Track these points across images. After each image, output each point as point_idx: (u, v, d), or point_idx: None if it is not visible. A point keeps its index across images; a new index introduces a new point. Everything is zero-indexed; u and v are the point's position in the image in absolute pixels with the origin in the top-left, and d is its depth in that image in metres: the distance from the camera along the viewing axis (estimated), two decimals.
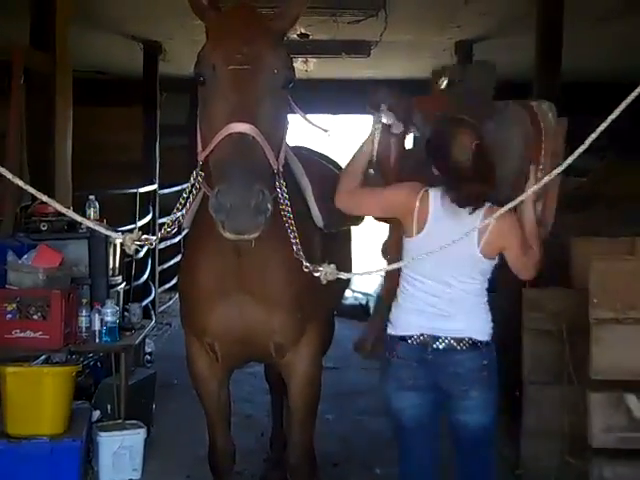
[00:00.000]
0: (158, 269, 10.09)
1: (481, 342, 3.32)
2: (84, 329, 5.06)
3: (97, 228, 2.96)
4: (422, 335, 3.25)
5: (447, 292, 3.24)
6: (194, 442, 5.67)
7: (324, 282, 2.85)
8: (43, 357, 4.81)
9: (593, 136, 2.46)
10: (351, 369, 7.72)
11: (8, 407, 4.40)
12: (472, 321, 3.32)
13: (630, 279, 4.14)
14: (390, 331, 3.34)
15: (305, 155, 4.01)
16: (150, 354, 7.86)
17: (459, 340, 3.25)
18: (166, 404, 6.39)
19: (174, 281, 11.14)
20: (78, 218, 2.88)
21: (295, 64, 9.00)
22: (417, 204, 3.18)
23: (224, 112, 2.61)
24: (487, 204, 3.20)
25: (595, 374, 4.08)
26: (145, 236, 2.86)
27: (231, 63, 2.65)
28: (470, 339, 3.27)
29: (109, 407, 5.20)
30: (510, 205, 2.86)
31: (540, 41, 6.30)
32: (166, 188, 9.82)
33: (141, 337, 5.63)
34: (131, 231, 2.96)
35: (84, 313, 5.08)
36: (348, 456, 5.55)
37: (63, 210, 2.88)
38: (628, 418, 4.06)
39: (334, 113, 13.03)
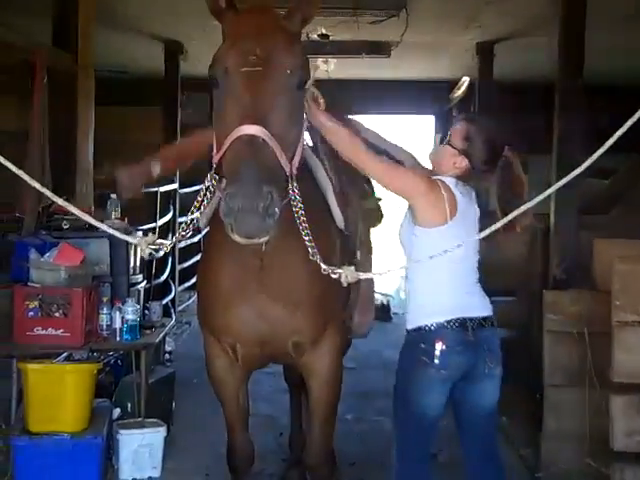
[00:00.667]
0: (178, 268, 10.12)
1: (493, 318, 3.46)
2: (105, 327, 5.08)
3: (112, 232, 2.95)
4: (459, 318, 3.29)
5: (471, 273, 3.40)
6: (213, 441, 5.68)
7: (345, 284, 2.84)
8: (64, 354, 4.84)
9: (610, 142, 2.44)
10: (370, 369, 7.72)
11: (30, 404, 4.43)
12: (485, 298, 3.49)
13: None
14: (423, 322, 3.31)
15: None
16: (170, 353, 7.89)
17: (485, 318, 3.38)
18: (185, 403, 6.41)
19: (194, 280, 11.18)
20: (94, 222, 2.89)
21: (315, 64, 9.03)
22: (444, 193, 3.25)
23: (235, 114, 2.60)
24: None
25: (617, 377, 4.06)
26: (160, 240, 2.89)
27: (243, 65, 2.65)
28: (490, 317, 3.43)
29: (129, 405, 5.23)
30: (528, 205, 2.86)
31: (562, 42, 6.22)
32: (186, 187, 9.85)
33: (161, 335, 5.65)
34: (147, 234, 2.98)
35: (105, 311, 5.11)
36: (366, 456, 5.55)
37: (79, 213, 2.89)
38: None
39: (354, 113, 13.05)
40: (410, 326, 3.38)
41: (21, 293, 4.80)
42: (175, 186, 9.88)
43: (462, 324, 3.28)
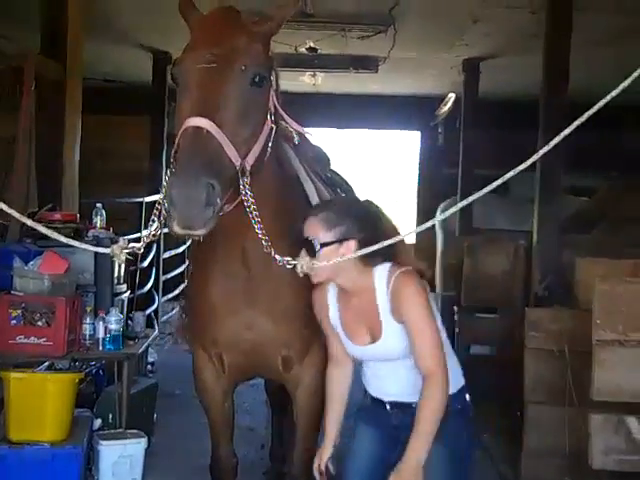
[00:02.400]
0: (162, 278, 10.10)
1: None
2: (88, 337, 5.06)
3: (81, 245, 2.95)
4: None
5: None
6: (195, 453, 5.66)
7: (301, 275, 2.81)
8: (46, 364, 4.82)
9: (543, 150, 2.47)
10: (352, 384, 7.72)
11: (11, 412, 4.41)
12: None
13: (633, 301, 4.15)
14: None
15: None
16: (152, 364, 7.86)
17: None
18: (167, 414, 6.39)
19: (177, 291, 11.17)
20: (62, 239, 2.84)
21: (303, 77, 9.07)
22: None
23: (187, 108, 2.63)
24: None
25: (597, 395, 4.09)
26: (132, 244, 2.89)
27: (199, 62, 2.67)
28: None
29: (110, 416, 5.20)
30: None
31: (547, 60, 6.31)
32: None
33: (144, 346, 5.63)
34: (117, 241, 2.89)
35: (88, 321, 5.09)
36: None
37: (43, 230, 2.89)
38: (628, 440, 4.07)
39: (341, 127, 13.10)
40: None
41: (4, 301, 4.78)
42: (161, 196, 9.86)
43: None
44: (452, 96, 11.27)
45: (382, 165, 21.58)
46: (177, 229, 2.48)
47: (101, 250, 2.96)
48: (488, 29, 8.13)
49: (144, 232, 3.05)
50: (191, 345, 3.69)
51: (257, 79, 2.75)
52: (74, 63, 6.50)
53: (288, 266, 2.79)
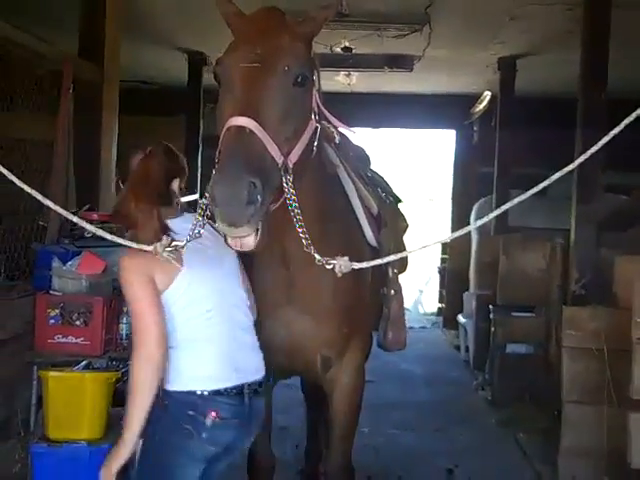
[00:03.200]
0: None
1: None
2: (124, 336, 5.09)
3: (125, 242, 2.92)
4: (238, 385, 2.97)
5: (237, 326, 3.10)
6: None
7: (339, 275, 2.80)
8: (84, 363, 4.85)
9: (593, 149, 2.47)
10: (387, 382, 7.73)
11: (49, 411, 4.45)
12: (259, 355, 3.15)
13: None
14: (194, 385, 2.93)
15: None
16: None
17: (260, 383, 3.07)
18: None
19: None
20: (107, 236, 2.88)
21: (338, 77, 9.05)
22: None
23: (230, 108, 2.66)
24: None
25: (636, 394, 4.05)
26: (175, 242, 2.85)
27: (242, 62, 2.71)
28: (262, 381, 3.09)
29: None
30: None
31: (585, 58, 6.25)
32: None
33: None
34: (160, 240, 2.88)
35: (125, 320, 5.11)
36: (381, 469, 5.58)
37: (91, 229, 2.98)
38: None
39: (376, 127, 13.08)
40: (177, 387, 2.96)
41: (43, 301, 4.82)
42: (196, 196, 9.92)
43: (240, 392, 2.96)
44: (488, 94, 11.19)
45: (417, 164, 21.58)
46: (222, 227, 2.52)
47: (145, 248, 2.94)
48: (524, 27, 8.05)
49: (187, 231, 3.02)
50: None
51: (300, 79, 2.77)
52: (111, 65, 6.54)
53: (327, 266, 2.78)
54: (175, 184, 3.22)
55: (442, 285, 12.64)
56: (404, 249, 4.29)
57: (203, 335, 2.99)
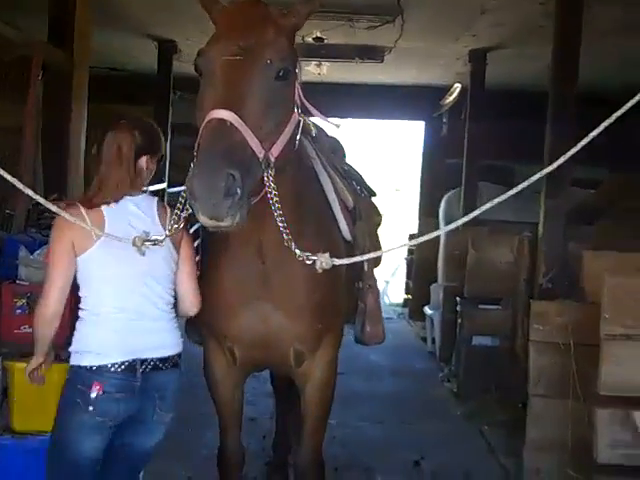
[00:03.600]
0: None
1: (177, 358, 3.24)
2: None
3: (92, 228, 2.98)
4: (127, 360, 3.09)
5: (150, 305, 3.19)
6: (197, 443, 5.69)
7: (319, 271, 2.82)
8: None
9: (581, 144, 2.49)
10: (354, 374, 7.75)
11: (14, 402, 4.40)
12: (173, 334, 3.25)
13: None
14: (85, 360, 3.13)
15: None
16: None
17: (163, 360, 3.16)
18: None
19: None
20: (72, 219, 2.92)
21: (308, 67, 9.03)
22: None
23: (211, 100, 2.64)
24: None
25: (604, 390, 4.09)
26: (154, 236, 2.90)
27: (224, 54, 2.69)
28: (171, 357, 3.19)
29: None
30: None
31: (556, 53, 6.27)
32: (175, 187, 9.84)
33: None
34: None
35: None
36: (348, 461, 5.60)
37: (61, 213, 2.96)
38: (634, 435, 4.07)
39: (344, 117, 13.05)
40: (73, 361, 3.20)
41: (9, 290, 4.76)
42: (164, 185, 9.85)
43: (130, 368, 3.08)
44: (458, 86, 11.23)
45: (384, 154, 21.64)
46: (203, 219, 2.51)
47: (123, 241, 2.94)
48: (496, 20, 8.08)
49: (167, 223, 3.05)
50: (202, 337, 3.70)
51: (282, 73, 2.76)
52: (81, 52, 6.47)
53: (307, 262, 2.78)
54: (143, 160, 3.26)
55: (408, 276, 12.68)
56: (379, 243, 4.32)
57: (101, 312, 3.12)
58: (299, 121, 2.94)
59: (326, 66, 10.29)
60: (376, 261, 4.20)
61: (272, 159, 2.70)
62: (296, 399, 4.65)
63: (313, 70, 10.13)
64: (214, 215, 2.46)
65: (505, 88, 11.25)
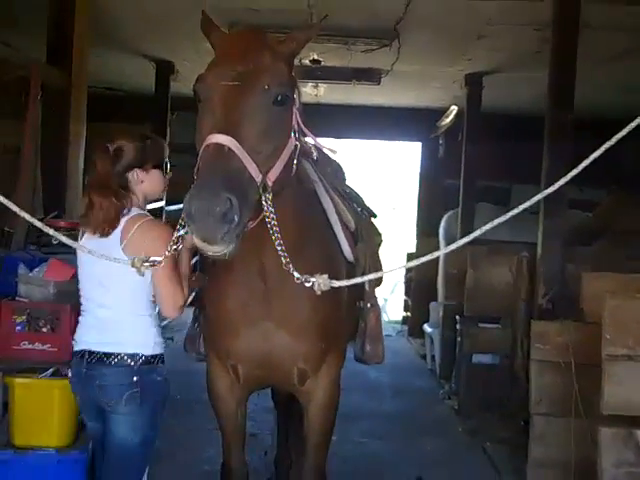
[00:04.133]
0: None
1: (127, 359, 3.42)
2: None
3: (91, 252, 3.08)
4: (81, 350, 3.50)
5: (119, 304, 3.46)
6: (198, 460, 5.67)
7: (318, 293, 2.81)
8: (51, 370, 4.79)
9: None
10: (354, 391, 7.72)
11: (15, 418, 4.39)
12: (136, 336, 3.45)
13: None
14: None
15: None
16: None
17: (108, 354, 3.43)
18: (169, 419, 6.35)
19: None
20: (72, 244, 3.06)
21: (305, 89, 9.09)
22: None
23: (209, 125, 2.66)
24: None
25: (607, 409, 4.09)
26: (152, 257, 2.91)
27: (222, 80, 2.71)
28: (118, 354, 3.42)
29: None
30: None
31: (553, 78, 6.34)
32: (173, 204, 9.86)
33: None
34: None
35: None
36: (350, 477, 5.57)
37: (57, 235, 3.07)
38: (637, 454, 4.06)
39: (341, 137, 13.10)
40: None
41: (9, 307, 4.76)
42: (162, 204, 9.87)
43: (82, 357, 3.48)
44: (454, 108, 11.30)
45: (380, 174, 21.72)
46: (197, 242, 2.53)
47: (122, 262, 3.00)
48: (492, 45, 8.15)
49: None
50: (205, 354, 3.70)
51: (280, 98, 2.76)
52: (79, 72, 6.50)
53: (306, 284, 2.78)
54: (132, 174, 3.45)
55: (407, 294, 12.68)
56: (380, 263, 4.32)
57: (82, 307, 3.62)
58: (296, 145, 2.94)
59: (323, 88, 10.35)
60: (377, 281, 4.20)
61: (269, 183, 2.71)
62: (297, 414, 4.65)
63: (310, 91, 10.19)
64: (208, 238, 2.48)
65: (501, 111, 11.34)
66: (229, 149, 2.55)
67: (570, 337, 4.97)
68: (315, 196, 3.69)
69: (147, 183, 3.50)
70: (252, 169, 2.60)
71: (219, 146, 2.56)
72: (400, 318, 13.40)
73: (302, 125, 3.03)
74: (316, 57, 8.86)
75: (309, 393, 3.56)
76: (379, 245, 4.59)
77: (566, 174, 5.69)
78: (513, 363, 6.71)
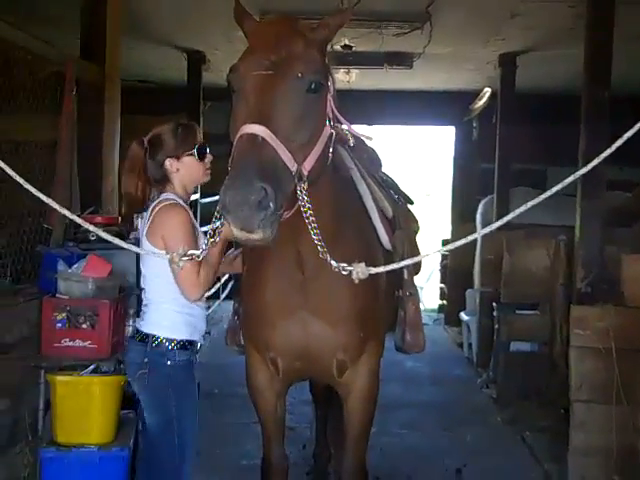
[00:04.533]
0: None
1: (148, 336, 3.56)
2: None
3: (128, 246, 3.09)
4: None
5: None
6: (236, 454, 5.70)
7: (356, 281, 2.80)
8: (92, 366, 4.84)
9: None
10: (392, 381, 7.71)
11: (57, 415, 4.45)
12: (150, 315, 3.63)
13: None
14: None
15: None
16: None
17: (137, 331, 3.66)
18: (207, 413, 6.40)
19: (213, 290, 11.21)
20: (110, 238, 3.00)
21: (337, 75, 9.02)
22: None
23: (243, 115, 2.66)
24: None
25: None
26: (191, 251, 2.94)
27: (256, 69, 2.70)
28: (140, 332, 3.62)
29: None
30: None
31: (588, 55, 6.22)
32: (208, 197, 9.88)
33: None
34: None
35: (131, 323, 5.11)
36: (390, 469, 5.57)
37: (97, 231, 3.12)
38: None
39: (374, 123, 13.04)
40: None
41: (49, 304, 4.81)
42: (196, 196, 9.91)
43: None
44: (488, 91, 11.17)
45: (413, 159, 21.61)
46: (235, 232, 2.52)
47: (161, 256, 3.08)
48: (525, 23, 8.03)
49: (201, 240, 3.25)
50: (244, 347, 3.71)
51: (313, 86, 2.75)
52: (113, 65, 6.53)
53: (344, 272, 2.77)
54: (167, 163, 3.59)
55: (443, 281, 12.63)
56: (418, 251, 4.30)
57: None
58: (331, 133, 2.93)
59: (355, 73, 10.28)
60: (416, 269, 4.18)
61: (305, 172, 2.70)
62: (335, 406, 4.65)
63: (342, 77, 10.12)
64: (245, 227, 2.48)
65: (536, 91, 11.17)
66: (263, 139, 2.55)
67: (610, 322, 4.90)
68: (352, 183, 3.68)
69: (183, 171, 3.60)
70: (286, 158, 2.59)
71: (252, 136, 2.56)
72: (436, 306, 13.36)
73: (337, 112, 3.01)
74: (347, 42, 8.80)
75: (348, 385, 3.54)
76: (416, 232, 4.57)
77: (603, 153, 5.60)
78: (552, 350, 6.65)
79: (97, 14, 6.40)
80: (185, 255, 2.93)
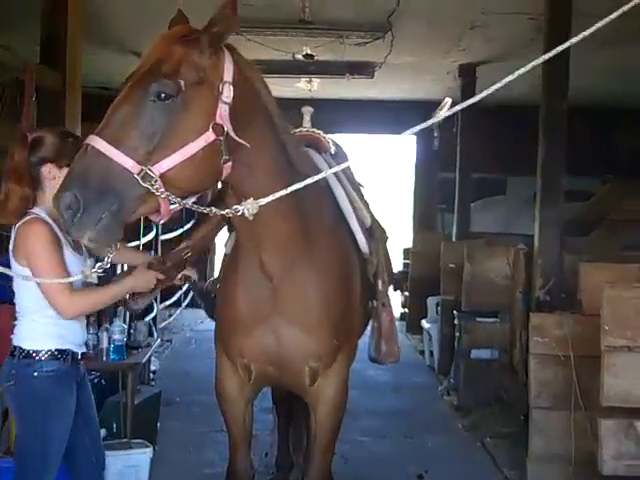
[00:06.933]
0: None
1: (16, 348, 3.45)
2: (92, 347, 5.05)
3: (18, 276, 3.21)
4: None
5: None
6: (199, 463, 5.66)
7: (250, 218, 2.80)
8: None
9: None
10: (354, 389, 7.68)
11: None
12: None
13: None
14: None
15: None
16: (154, 372, 7.84)
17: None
18: (168, 422, 6.38)
19: (175, 298, 11.18)
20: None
21: (299, 84, 9.02)
22: None
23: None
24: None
25: (607, 401, 4.08)
26: (98, 264, 3.05)
27: (125, 83, 2.72)
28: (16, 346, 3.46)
29: (115, 425, 5.18)
30: None
31: (547, 67, 6.32)
32: (168, 232, 9.93)
33: (148, 355, 5.62)
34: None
35: (91, 331, 5.07)
36: (352, 477, 5.54)
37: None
38: (638, 446, 4.07)
39: (336, 132, 13.05)
40: None
41: (7, 312, 4.75)
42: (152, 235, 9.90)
43: None
44: (449, 100, 11.27)
45: (377, 169, 21.70)
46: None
47: (72, 280, 3.20)
48: (485, 35, 8.15)
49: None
50: (217, 354, 3.68)
51: (161, 95, 2.66)
52: (73, 72, 6.47)
53: (237, 214, 2.79)
54: (45, 169, 3.42)
55: (405, 289, 12.65)
56: (390, 262, 4.33)
57: None
58: (214, 140, 2.74)
59: (316, 82, 10.32)
60: (389, 280, 4.18)
61: (156, 173, 2.63)
62: (298, 415, 4.63)
63: (304, 86, 10.15)
64: (68, 231, 2.64)
65: (496, 102, 11.31)
66: (92, 147, 2.58)
67: (569, 329, 4.95)
68: (327, 188, 3.66)
69: (59, 181, 3.23)
70: (125, 162, 2.59)
71: (85, 146, 2.61)
72: (398, 314, 13.38)
73: (278, 118, 2.98)
74: (309, 52, 8.82)
75: (318, 392, 3.52)
76: (385, 242, 4.58)
77: (562, 162, 5.65)
78: (512, 357, 6.71)
79: (57, 20, 6.34)
80: (93, 267, 3.04)
